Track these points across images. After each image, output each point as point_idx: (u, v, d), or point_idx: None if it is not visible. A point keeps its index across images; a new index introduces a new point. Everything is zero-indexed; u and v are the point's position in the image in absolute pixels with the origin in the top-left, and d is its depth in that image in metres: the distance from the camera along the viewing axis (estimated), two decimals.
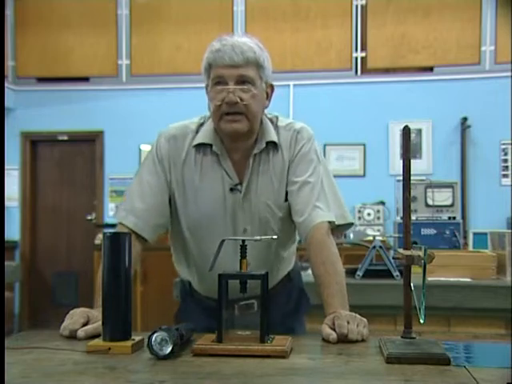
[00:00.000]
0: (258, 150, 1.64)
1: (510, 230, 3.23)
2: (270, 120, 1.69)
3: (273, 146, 1.65)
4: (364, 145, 6.39)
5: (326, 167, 1.71)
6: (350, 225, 1.71)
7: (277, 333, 1.32)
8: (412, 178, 1.26)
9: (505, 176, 6.18)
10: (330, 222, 1.61)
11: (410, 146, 1.28)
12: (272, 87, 1.66)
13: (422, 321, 1.19)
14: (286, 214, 1.67)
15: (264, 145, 1.64)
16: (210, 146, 1.64)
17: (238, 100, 1.54)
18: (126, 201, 1.67)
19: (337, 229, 1.67)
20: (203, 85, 1.63)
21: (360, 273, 2.91)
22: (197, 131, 1.66)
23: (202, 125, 1.68)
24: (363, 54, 6.45)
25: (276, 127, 1.68)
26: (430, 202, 4.61)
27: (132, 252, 1.39)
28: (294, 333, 1.54)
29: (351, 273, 2.92)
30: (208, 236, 1.63)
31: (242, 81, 1.54)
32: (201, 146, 1.65)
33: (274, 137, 1.65)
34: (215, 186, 1.64)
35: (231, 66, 1.53)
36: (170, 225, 1.74)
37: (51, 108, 6.81)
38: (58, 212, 6.99)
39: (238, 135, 1.59)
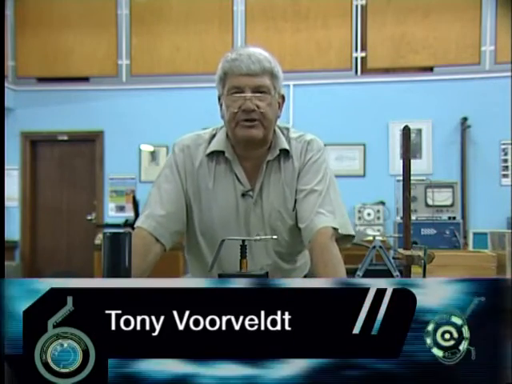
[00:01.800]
0: (271, 157, 1.67)
1: (510, 230, 3.23)
2: (281, 131, 1.72)
3: (285, 154, 1.68)
4: (364, 145, 6.39)
5: (333, 179, 1.72)
6: (352, 238, 1.70)
7: None
8: (412, 178, 1.26)
9: (505, 176, 6.18)
10: (334, 229, 1.60)
11: (410, 146, 1.28)
12: (283, 98, 1.71)
13: None
14: (296, 222, 1.68)
15: (278, 152, 1.67)
16: (223, 152, 1.67)
17: (255, 107, 1.57)
18: (144, 209, 1.68)
19: (338, 241, 1.65)
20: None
21: (360, 273, 2.90)
22: (209, 142, 1.70)
23: (214, 136, 1.71)
24: (363, 54, 6.45)
25: (287, 138, 1.71)
26: (430, 201, 4.61)
27: (149, 256, 1.46)
28: None
29: (351, 273, 2.90)
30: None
31: (258, 90, 1.58)
32: (213, 154, 1.68)
33: (286, 145, 1.68)
34: (227, 191, 1.66)
35: (248, 75, 1.57)
36: (186, 231, 1.75)
37: (51, 108, 6.81)
38: (58, 212, 6.99)
39: (253, 142, 1.62)
